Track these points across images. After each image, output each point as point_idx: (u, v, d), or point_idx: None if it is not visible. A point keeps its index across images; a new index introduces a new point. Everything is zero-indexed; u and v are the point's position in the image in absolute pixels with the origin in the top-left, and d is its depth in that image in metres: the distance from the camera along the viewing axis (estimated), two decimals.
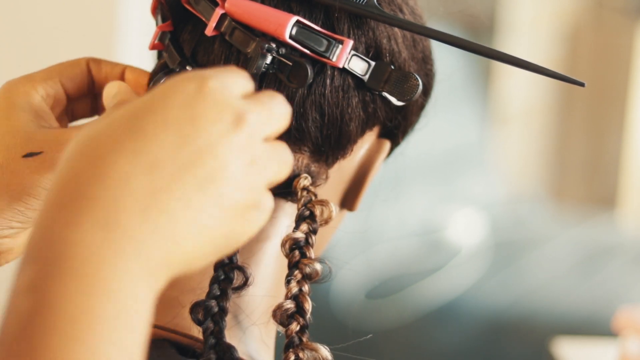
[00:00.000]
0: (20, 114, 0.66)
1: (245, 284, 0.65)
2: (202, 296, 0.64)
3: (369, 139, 0.70)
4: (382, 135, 0.71)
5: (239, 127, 0.51)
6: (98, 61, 0.71)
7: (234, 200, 0.51)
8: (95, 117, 0.71)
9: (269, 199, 0.53)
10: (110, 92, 0.60)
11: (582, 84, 0.64)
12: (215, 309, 0.62)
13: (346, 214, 0.74)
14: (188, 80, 0.51)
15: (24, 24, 1.52)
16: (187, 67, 0.66)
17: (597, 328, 2.02)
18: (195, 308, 0.63)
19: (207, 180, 0.50)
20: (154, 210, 0.48)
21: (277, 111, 0.54)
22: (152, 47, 0.69)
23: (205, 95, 0.51)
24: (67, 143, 0.58)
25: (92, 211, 0.47)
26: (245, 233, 0.52)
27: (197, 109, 0.50)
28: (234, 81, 0.53)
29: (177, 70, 0.66)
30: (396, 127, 0.71)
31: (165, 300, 0.64)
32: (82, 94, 0.71)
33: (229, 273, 0.64)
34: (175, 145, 0.49)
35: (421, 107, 0.73)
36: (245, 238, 0.53)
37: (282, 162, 0.54)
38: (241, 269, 0.65)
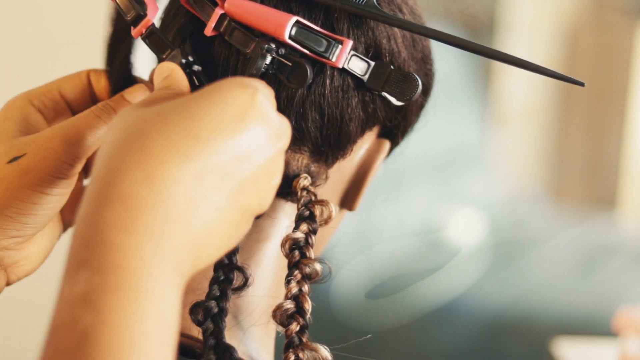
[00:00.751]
0: (8, 124, 0.66)
1: (245, 284, 0.65)
2: (202, 297, 0.64)
3: (369, 139, 0.70)
4: (382, 135, 0.71)
5: (276, 143, 0.54)
6: (99, 72, 0.72)
7: (253, 210, 0.53)
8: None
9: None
10: (162, 73, 0.60)
11: (581, 84, 0.64)
12: (215, 310, 0.62)
13: (346, 214, 0.74)
14: (242, 88, 0.53)
15: (24, 24, 1.52)
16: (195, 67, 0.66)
17: (597, 328, 2.02)
18: (195, 309, 0.63)
19: (239, 192, 0.51)
20: (194, 222, 0.48)
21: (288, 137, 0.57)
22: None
23: (256, 107, 0.52)
24: (47, 142, 0.59)
25: (144, 219, 0.47)
26: (242, 235, 0.54)
27: (248, 120, 0.52)
28: (271, 95, 0.56)
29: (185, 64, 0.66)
30: (396, 127, 0.71)
31: None
32: (86, 105, 0.71)
33: (228, 274, 0.64)
34: (223, 154, 0.50)
35: (421, 107, 0.73)
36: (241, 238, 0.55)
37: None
38: (241, 270, 0.65)
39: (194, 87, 0.62)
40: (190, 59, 0.65)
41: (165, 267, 0.47)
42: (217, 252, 0.51)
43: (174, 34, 0.68)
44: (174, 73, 0.59)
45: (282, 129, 0.54)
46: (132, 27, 0.67)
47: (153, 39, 0.66)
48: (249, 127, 0.52)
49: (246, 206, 0.52)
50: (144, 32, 0.66)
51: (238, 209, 0.52)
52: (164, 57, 0.65)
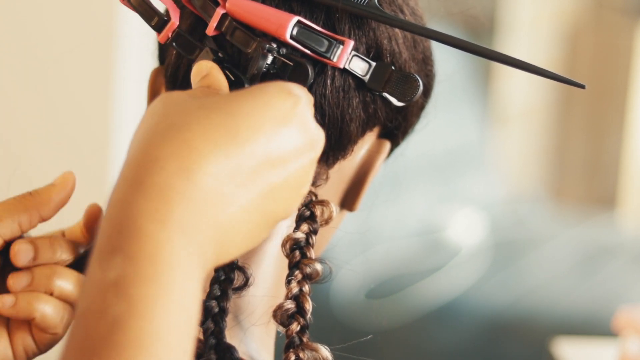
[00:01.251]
0: None
1: (245, 284, 0.65)
2: (202, 296, 0.64)
3: (369, 139, 0.70)
4: (382, 135, 0.71)
5: (310, 152, 0.54)
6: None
7: (278, 216, 0.54)
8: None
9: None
10: (200, 72, 0.60)
11: (582, 86, 0.64)
12: (216, 309, 0.62)
13: (346, 214, 0.74)
14: (287, 95, 0.53)
15: (24, 24, 1.52)
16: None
17: (597, 328, 2.02)
18: None
19: (268, 196, 0.52)
20: (222, 218, 0.49)
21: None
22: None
23: (297, 114, 0.53)
24: None
25: (179, 211, 0.47)
26: (262, 240, 0.55)
27: (289, 127, 0.52)
28: (311, 104, 0.56)
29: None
30: (396, 128, 0.71)
31: None
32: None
33: (229, 273, 0.64)
34: (259, 157, 0.51)
35: (421, 107, 0.73)
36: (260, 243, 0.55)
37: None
38: (241, 270, 0.65)
39: (230, 83, 0.62)
40: (221, 55, 0.65)
41: (193, 261, 0.47)
42: (237, 251, 0.52)
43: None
44: (212, 72, 0.59)
45: (318, 139, 0.55)
46: (157, 34, 0.67)
47: (180, 41, 0.66)
48: (287, 134, 0.52)
49: (272, 210, 0.53)
50: (170, 36, 0.66)
51: (264, 212, 0.52)
52: (193, 57, 0.65)
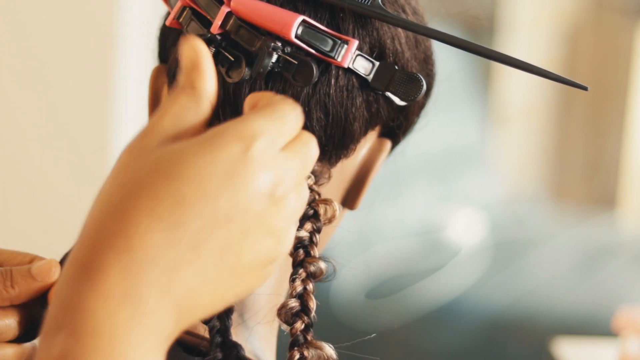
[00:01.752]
0: None
1: None
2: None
3: (371, 138, 0.70)
4: (383, 134, 0.72)
5: (274, 194, 0.51)
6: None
7: (249, 266, 0.52)
8: None
9: (279, 259, 0.53)
10: (189, 58, 0.55)
11: (585, 88, 0.64)
12: None
13: (346, 212, 0.74)
14: (236, 141, 0.50)
15: (24, 24, 1.52)
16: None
17: (597, 328, 2.02)
18: None
19: (226, 251, 0.50)
20: (174, 285, 0.49)
21: (311, 160, 0.54)
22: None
23: (250, 159, 0.50)
24: None
25: (122, 285, 0.47)
26: (255, 287, 0.53)
27: (239, 178, 0.50)
28: (282, 132, 0.52)
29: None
30: (398, 127, 0.71)
31: None
32: None
33: None
34: (207, 218, 0.49)
35: (422, 106, 0.74)
36: (254, 290, 0.54)
37: (296, 219, 0.54)
38: None
39: (230, 64, 0.62)
40: (279, 43, 0.64)
41: (143, 330, 0.48)
42: (206, 310, 0.51)
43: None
44: (200, 66, 0.54)
45: (284, 176, 0.51)
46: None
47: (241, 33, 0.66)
48: (238, 186, 0.50)
49: (238, 263, 0.51)
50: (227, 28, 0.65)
51: (227, 268, 0.51)
52: (254, 49, 0.64)
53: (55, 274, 0.64)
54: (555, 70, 0.64)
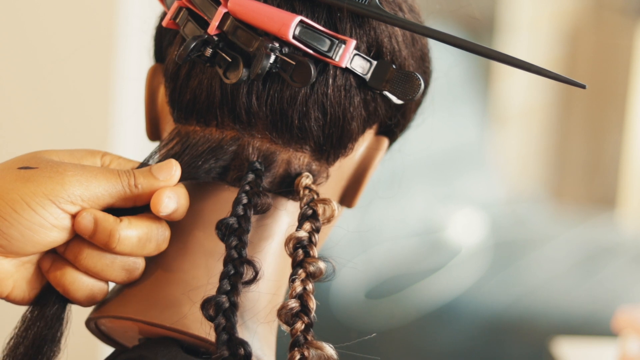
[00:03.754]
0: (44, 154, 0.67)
1: (255, 278, 0.64)
2: (206, 294, 0.63)
3: (369, 136, 0.70)
4: (380, 132, 0.72)
5: None
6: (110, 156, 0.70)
7: None
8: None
9: None
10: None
11: (583, 86, 0.64)
12: (227, 305, 0.62)
13: (344, 211, 0.74)
14: None
15: (24, 24, 1.52)
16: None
17: (597, 328, 2.02)
18: (205, 304, 0.62)
19: None
20: None
21: None
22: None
23: None
24: (59, 167, 0.60)
25: None
26: None
27: None
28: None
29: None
30: (395, 125, 0.71)
31: (168, 301, 0.64)
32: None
33: (238, 267, 0.63)
34: None
35: (418, 104, 0.74)
36: None
37: None
38: (251, 263, 0.64)
39: (227, 64, 0.64)
40: (277, 44, 0.64)
41: None
42: None
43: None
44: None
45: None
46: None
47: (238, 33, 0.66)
48: None
49: None
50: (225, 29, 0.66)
51: None
52: (252, 50, 0.64)
53: (177, 173, 0.65)
54: (555, 70, 0.64)
